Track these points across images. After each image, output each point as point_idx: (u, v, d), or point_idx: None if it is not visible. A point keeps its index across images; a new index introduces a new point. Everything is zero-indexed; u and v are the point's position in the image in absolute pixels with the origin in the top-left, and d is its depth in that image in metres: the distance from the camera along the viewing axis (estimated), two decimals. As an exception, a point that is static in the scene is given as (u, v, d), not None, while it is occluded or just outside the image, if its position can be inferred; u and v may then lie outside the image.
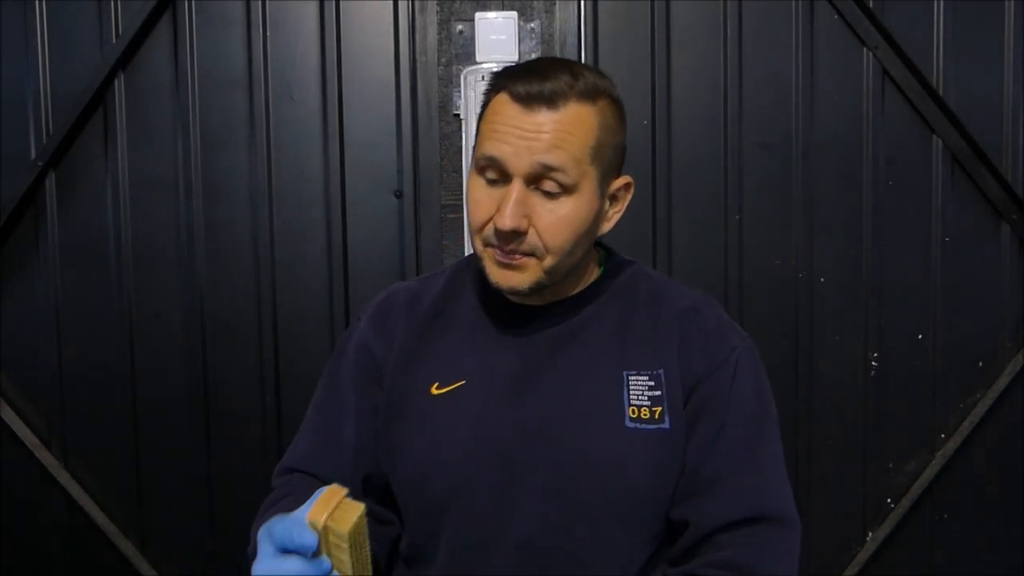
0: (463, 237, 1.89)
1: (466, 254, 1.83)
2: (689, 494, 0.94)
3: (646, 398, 0.94)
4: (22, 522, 1.97)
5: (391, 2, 1.88)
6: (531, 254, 0.91)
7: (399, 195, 1.91)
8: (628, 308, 0.99)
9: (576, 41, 1.86)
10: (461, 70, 1.86)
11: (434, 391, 0.97)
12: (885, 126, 1.90)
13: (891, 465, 1.96)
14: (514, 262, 0.92)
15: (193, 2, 1.88)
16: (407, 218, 1.91)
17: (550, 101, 0.89)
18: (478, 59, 1.85)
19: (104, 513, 1.95)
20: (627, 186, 0.99)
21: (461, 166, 1.88)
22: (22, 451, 1.94)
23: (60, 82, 1.88)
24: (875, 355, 1.94)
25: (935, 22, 1.88)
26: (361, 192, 1.92)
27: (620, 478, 0.92)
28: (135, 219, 1.91)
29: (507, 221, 0.89)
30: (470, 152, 1.84)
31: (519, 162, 0.89)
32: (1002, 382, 1.93)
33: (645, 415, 0.93)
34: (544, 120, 0.89)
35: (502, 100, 0.92)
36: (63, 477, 1.94)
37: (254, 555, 0.77)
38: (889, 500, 1.97)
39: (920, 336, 1.94)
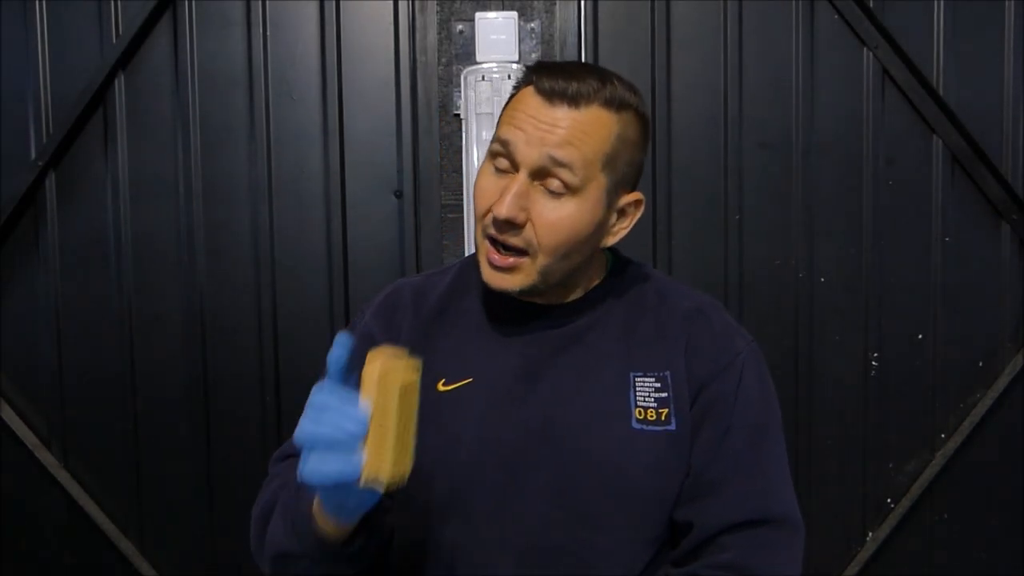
0: (463, 237, 1.89)
1: (466, 254, 1.83)
2: (693, 496, 0.94)
3: (653, 400, 0.94)
4: (22, 522, 1.97)
5: (391, 2, 1.88)
6: (524, 252, 0.91)
7: (399, 195, 1.91)
8: (633, 310, 0.99)
9: (576, 41, 1.86)
10: (461, 70, 1.86)
11: (441, 388, 0.97)
12: (885, 126, 1.91)
13: (891, 465, 1.96)
14: (506, 264, 0.91)
15: (193, 2, 1.88)
16: (407, 218, 1.91)
17: (573, 100, 0.88)
18: (478, 59, 1.85)
19: (104, 513, 1.95)
20: (637, 203, 0.99)
21: (461, 166, 1.88)
22: (22, 451, 1.94)
23: (60, 82, 1.88)
24: (875, 355, 1.94)
25: (935, 22, 1.88)
26: (361, 192, 1.92)
27: (625, 479, 0.92)
28: (135, 219, 1.91)
29: (504, 210, 0.88)
30: (470, 152, 1.85)
31: (529, 150, 0.88)
32: (1002, 382, 1.93)
33: (652, 417, 0.93)
34: (562, 116, 0.88)
35: (527, 92, 0.92)
36: (63, 477, 1.94)
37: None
38: (889, 500, 1.97)
39: (920, 336, 1.94)
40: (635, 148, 0.94)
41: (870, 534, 1.97)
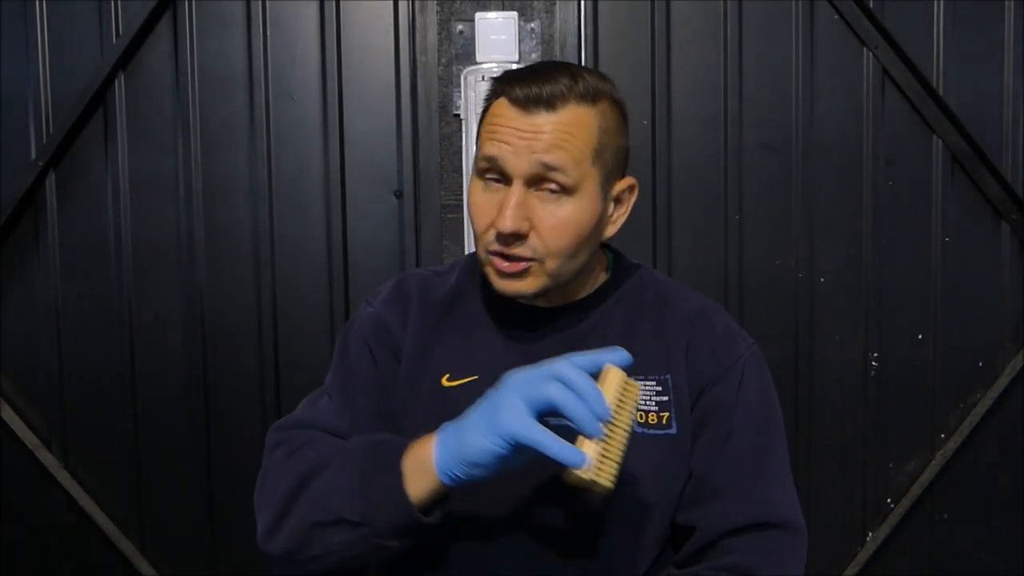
0: (463, 237, 1.89)
1: (466, 254, 1.83)
2: (695, 499, 0.94)
3: (654, 403, 0.94)
4: (22, 522, 1.96)
5: (391, 2, 1.88)
6: (532, 259, 0.90)
7: (399, 195, 1.91)
8: (635, 313, 0.99)
9: (576, 41, 1.86)
10: (461, 70, 1.86)
11: (445, 382, 0.97)
12: (885, 126, 1.90)
13: (891, 465, 1.96)
14: (517, 269, 0.91)
15: (193, 2, 1.88)
16: (407, 218, 1.91)
17: (549, 103, 0.88)
18: (478, 59, 1.85)
19: (104, 513, 1.95)
20: (631, 188, 0.98)
21: (461, 166, 1.88)
22: (22, 451, 1.94)
23: (60, 82, 1.88)
24: (875, 355, 1.94)
25: (935, 22, 1.88)
26: (361, 192, 1.92)
27: (627, 483, 0.91)
28: (135, 219, 1.91)
29: (507, 223, 0.88)
30: (470, 152, 1.85)
31: (519, 162, 0.88)
32: (1002, 382, 1.93)
33: (653, 420, 0.94)
34: (543, 121, 0.88)
35: (501, 104, 0.91)
36: (63, 477, 1.94)
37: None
38: (889, 500, 1.97)
39: (920, 336, 1.94)
40: (618, 135, 0.94)
41: (870, 534, 1.97)
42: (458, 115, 1.86)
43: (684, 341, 0.97)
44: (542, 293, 0.93)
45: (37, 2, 1.86)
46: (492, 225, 0.90)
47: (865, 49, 1.89)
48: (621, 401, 0.79)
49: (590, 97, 0.90)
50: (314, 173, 1.91)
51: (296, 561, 0.88)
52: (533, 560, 0.93)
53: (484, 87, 1.83)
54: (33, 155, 1.88)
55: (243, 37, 1.89)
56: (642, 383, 0.93)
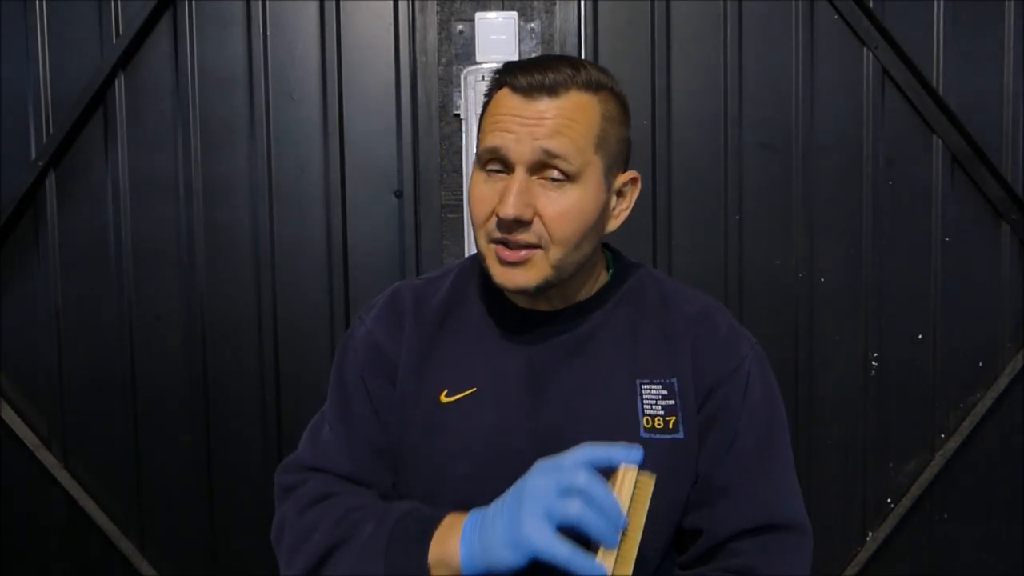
0: (463, 237, 1.89)
1: (466, 254, 1.83)
2: (702, 502, 0.94)
3: (660, 408, 0.93)
4: (22, 522, 1.97)
5: (391, 2, 1.88)
6: (536, 246, 0.89)
7: (399, 195, 1.91)
8: (637, 314, 0.98)
9: (576, 41, 1.86)
10: (461, 70, 1.86)
11: (444, 399, 0.95)
12: (885, 126, 1.91)
13: (891, 465, 1.96)
14: (519, 258, 0.89)
15: (193, 2, 1.88)
16: (407, 218, 1.91)
17: (551, 90, 0.88)
18: (478, 59, 1.85)
19: (104, 513, 1.95)
20: (634, 181, 0.97)
21: (461, 166, 1.88)
22: (22, 451, 1.94)
23: (60, 82, 1.88)
24: (875, 355, 1.94)
25: (935, 22, 1.88)
26: (361, 192, 1.92)
27: None
28: (135, 219, 1.91)
29: (510, 209, 0.86)
30: (470, 152, 1.85)
31: (521, 149, 0.87)
32: (1002, 382, 1.93)
33: (659, 425, 0.93)
34: (545, 108, 0.88)
35: (503, 95, 0.91)
36: (63, 477, 1.94)
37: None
38: (889, 500, 1.97)
39: (920, 336, 1.94)
40: (620, 125, 0.94)
41: (870, 534, 1.97)
42: (458, 115, 1.86)
43: (689, 343, 0.96)
44: (544, 288, 0.91)
45: (37, 2, 1.87)
46: (494, 213, 0.89)
47: (865, 49, 1.89)
48: (636, 499, 0.80)
49: (592, 86, 0.90)
50: (314, 173, 1.91)
51: None
52: (542, 567, 0.92)
53: (484, 87, 1.84)
54: (33, 155, 1.88)
55: (243, 37, 1.89)
56: (647, 387, 0.93)
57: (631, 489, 0.80)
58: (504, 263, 0.90)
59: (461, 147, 1.87)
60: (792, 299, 1.93)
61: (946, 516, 1.98)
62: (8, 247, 1.92)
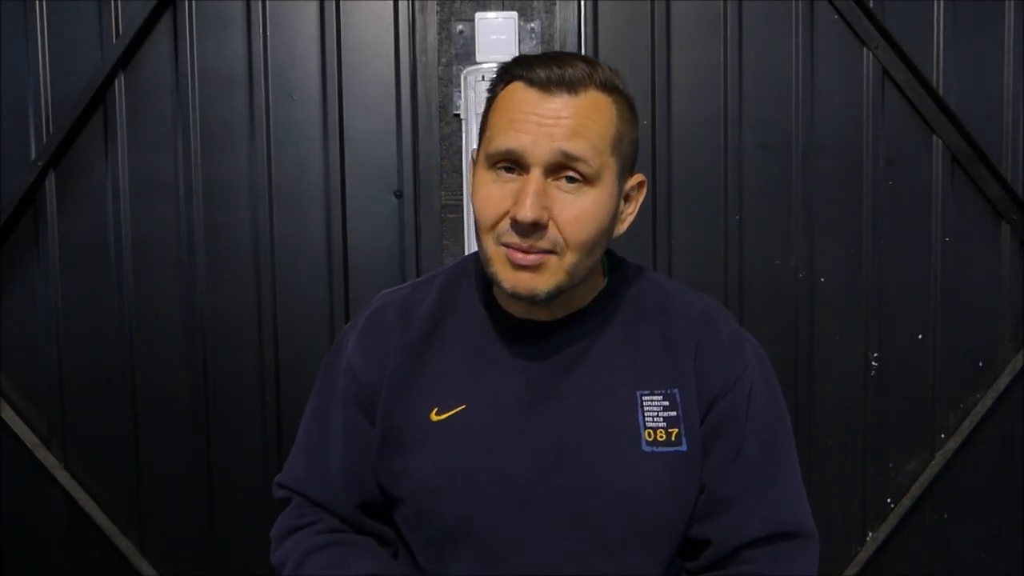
0: (463, 237, 1.89)
1: (466, 254, 1.83)
2: (709, 512, 0.92)
3: (662, 420, 0.91)
4: (22, 522, 1.97)
5: (391, 2, 1.88)
6: (551, 251, 0.85)
7: (399, 195, 1.91)
8: (637, 320, 0.95)
9: (576, 41, 1.86)
10: (461, 70, 1.86)
11: (434, 417, 0.92)
12: (885, 126, 1.90)
13: (891, 465, 1.96)
14: (532, 262, 0.85)
15: (193, 2, 1.88)
16: (407, 218, 1.91)
17: (571, 86, 0.84)
18: (478, 59, 1.85)
19: (104, 513, 1.95)
20: (640, 185, 0.95)
21: (461, 166, 1.88)
22: (22, 451, 1.94)
23: (60, 82, 1.88)
24: (875, 355, 1.94)
25: (935, 22, 1.88)
26: (361, 192, 1.92)
27: (640, 505, 0.89)
28: (135, 219, 1.91)
29: (528, 212, 0.82)
30: (470, 152, 1.85)
31: (539, 151, 0.83)
32: (1002, 382, 1.93)
33: (661, 437, 0.90)
34: (563, 105, 0.84)
35: (517, 88, 0.86)
36: (63, 477, 1.94)
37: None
38: (889, 500, 1.97)
39: (920, 336, 1.94)
40: (633, 127, 0.92)
41: (870, 534, 1.97)
42: (458, 115, 1.86)
43: (690, 350, 0.93)
44: (555, 295, 0.87)
45: (37, 2, 1.87)
46: (507, 215, 0.85)
47: (865, 49, 1.89)
48: None
49: (608, 86, 0.87)
50: (314, 173, 1.91)
51: None
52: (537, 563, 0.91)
53: (484, 87, 1.84)
54: (33, 155, 1.88)
55: (243, 37, 1.89)
56: (648, 398, 0.91)
57: None
58: (516, 267, 0.86)
59: (461, 147, 1.87)
60: (792, 299, 1.93)
61: (946, 516, 1.98)
62: (8, 247, 1.92)
